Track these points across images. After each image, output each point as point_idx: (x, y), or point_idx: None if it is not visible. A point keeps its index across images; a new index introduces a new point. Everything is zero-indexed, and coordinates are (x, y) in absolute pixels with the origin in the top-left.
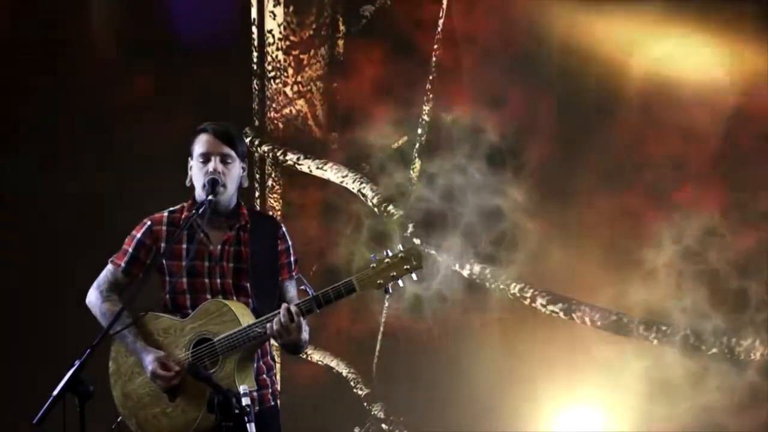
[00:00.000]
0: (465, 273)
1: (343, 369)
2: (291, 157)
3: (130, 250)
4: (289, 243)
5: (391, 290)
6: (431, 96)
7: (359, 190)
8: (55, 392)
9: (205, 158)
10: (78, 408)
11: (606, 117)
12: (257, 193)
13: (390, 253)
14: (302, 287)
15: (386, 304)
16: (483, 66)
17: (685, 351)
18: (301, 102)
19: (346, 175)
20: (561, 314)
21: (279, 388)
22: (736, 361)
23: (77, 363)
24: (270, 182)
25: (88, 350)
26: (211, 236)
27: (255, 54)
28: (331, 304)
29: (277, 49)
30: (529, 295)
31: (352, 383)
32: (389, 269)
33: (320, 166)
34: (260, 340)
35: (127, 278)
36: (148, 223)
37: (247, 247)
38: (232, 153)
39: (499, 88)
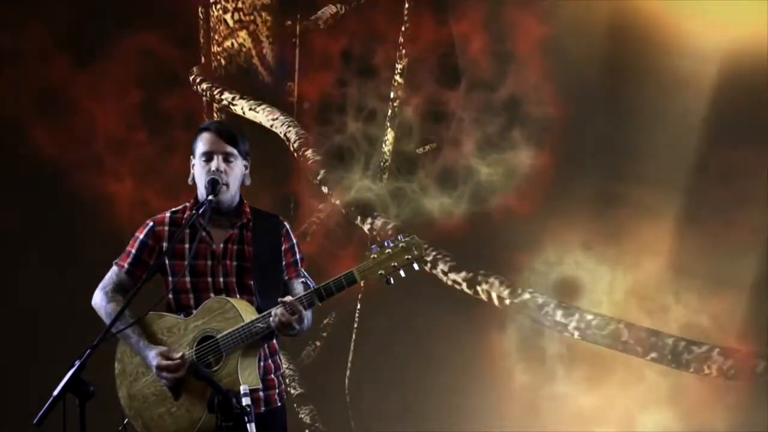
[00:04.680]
0: (366, 228)
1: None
2: (226, 97)
3: (133, 251)
4: (294, 241)
5: (392, 281)
6: (404, 52)
7: (285, 134)
8: (55, 392)
9: (208, 157)
10: (78, 408)
11: None
12: None
13: (390, 244)
14: (303, 279)
15: (358, 306)
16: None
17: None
18: (243, 34)
19: (277, 118)
20: (464, 286)
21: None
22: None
23: (77, 363)
24: None
25: (89, 350)
26: (214, 235)
27: None
28: (332, 296)
29: None
30: (430, 258)
31: (288, 380)
32: (390, 259)
33: (253, 107)
34: (263, 335)
35: (131, 279)
36: (151, 224)
37: (250, 246)
38: (234, 151)
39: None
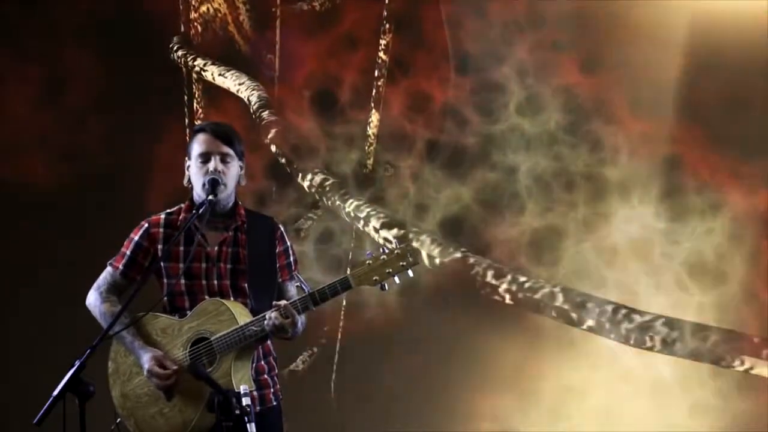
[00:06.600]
0: (305, 184)
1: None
2: (199, 63)
3: (128, 252)
4: (288, 244)
5: (386, 287)
6: (388, 27)
7: (248, 98)
8: (55, 392)
9: (205, 158)
10: (78, 408)
11: None
12: (186, 121)
13: (386, 250)
14: (298, 284)
15: (344, 302)
16: None
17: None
18: None
19: (243, 83)
20: (395, 244)
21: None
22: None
23: (77, 363)
24: (195, 106)
25: (88, 350)
26: (208, 237)
27: None
28: (326, 300)
29: None
30: (363, 215)
31: None
32: (385, 266)
33: (222, 72)
34: (257, 338)
35: (125, 280)
36: (146, 225)
37: (245, 248)
38: (231, 152)
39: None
